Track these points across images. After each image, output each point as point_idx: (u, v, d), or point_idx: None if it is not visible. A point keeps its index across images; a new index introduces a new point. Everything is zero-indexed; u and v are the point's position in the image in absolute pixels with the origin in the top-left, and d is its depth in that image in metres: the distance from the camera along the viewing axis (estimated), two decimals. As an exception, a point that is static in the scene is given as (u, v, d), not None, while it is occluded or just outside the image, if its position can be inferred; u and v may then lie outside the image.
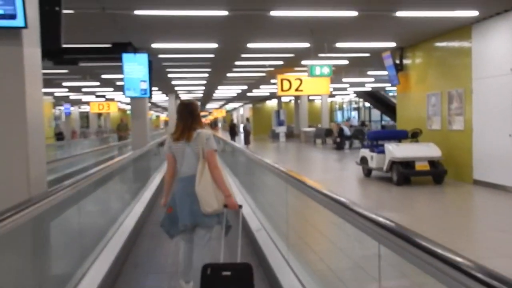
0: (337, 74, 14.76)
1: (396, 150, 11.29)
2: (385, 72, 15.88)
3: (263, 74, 20.94)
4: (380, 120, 38.27)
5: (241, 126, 38.09)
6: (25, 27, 3.49)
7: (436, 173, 11.22)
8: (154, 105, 45.75)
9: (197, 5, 8.91)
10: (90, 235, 5.35)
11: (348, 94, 39.58)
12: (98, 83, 23.14)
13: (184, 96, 35.21)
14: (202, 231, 4.10)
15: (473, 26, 10.88)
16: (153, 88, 14.82)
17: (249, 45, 13.16)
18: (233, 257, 4.33)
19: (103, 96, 32.23)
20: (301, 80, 16.26)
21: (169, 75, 20.47)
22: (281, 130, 34.10)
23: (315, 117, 35.85)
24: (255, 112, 47.97)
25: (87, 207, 5.31)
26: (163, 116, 69.60)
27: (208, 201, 3.95)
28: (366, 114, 41.60)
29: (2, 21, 3.45)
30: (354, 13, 9.68)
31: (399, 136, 12.88)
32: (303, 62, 15.61)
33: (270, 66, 17.93)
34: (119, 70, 11.94)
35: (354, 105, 45.85)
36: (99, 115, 45.45)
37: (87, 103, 36.21)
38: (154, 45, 12.54)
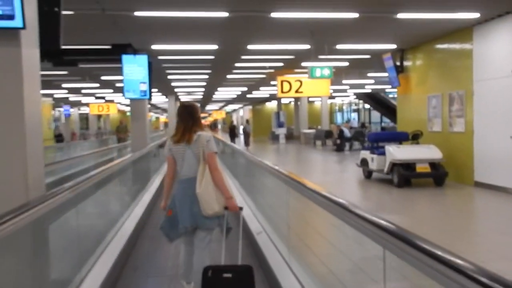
0: (337, 75, 14.73)
1: (397, 152, 11.26)
2: (386, 74, 15.85)
3: (263, 76, 20.92)
4: (380, 122, 38.22)
5: (241, 127, 38.05)
6: (24, 28, 3.45)
7: (437, 175, 11.18)
8: (154, 107, 45.70)
9: (197, 6, 8.88)
10: (89, 238, 5.31)
11: (348, 96, 39.57)
12: (97, 85, 23.11)
13: (184, 98, 35.17)
14: (202, 233, 4.09)
15: (474, 28, 10.85)
16: (153, 90, 14.80)
17: (249, 47, 13.13)
18: (233, 259, 4.32)
19: (103, 98, 32.19)
20: (301, 82, 16.21)
21: (169, 77, 20.44)
22: (281, 131, 34.06)
23: (315, 119, 35.80)
24: (255, 114, 47.95)
25: (86, 210, 5.28)
26: (163, 118, 69.55)
27: (210, 203, 3.94)
28: (366, 116, 41.57)
29: (0, 22, 3.41)
30: (355, 15, 9.66)
31: (399, 138, 12.84)
32: (303, 64, 15.58)
33: (270, 67, 17.92)
34: (119, 71, 11.90)
35: (354, 107, 45.81)
36: (99, 116, 45.39)
37: (87, 104, 36.17)
38: (154, 47, 12.51)
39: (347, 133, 24.63)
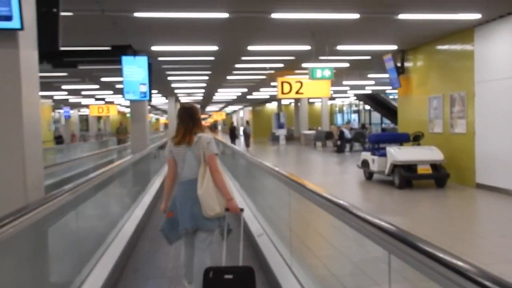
0: (337, 76, 14.70)
1: (398, 153, 11.22)
2: (386, 75, 15.82)
3: (264, 77, 20.88)
4: (380, 123, 38.20)
5: (241, 129, 38.03)
6: (21, 29, 3.41)
7: (439, 177, 11.14)
8: (154, 108, 45.69)
9: (197, 7, 8.83)
10: (89, 240, 5.30)
11: (348, 97, 39.55)
12: (97, 86, 23.06)
13: (184, 99, 35.13)
14: (203, 234, 4.08)
15: (475, 29, 10.81)
16: (153, 91, 14.74)
17: (250, 48, 13.08)
18: (234, 260, 4.33)
19: (103, 99, 32.16)
20: (301, 83, 16.21)
21: (169, 78, 20.39)
22: (281, 133, 34.03)
23: (315, 120, 35.78)
24: (255, 115, 47.93)
25: (86, 212, 5.26)
26: (163, 119, 69.54)
27: (211, 205, 3.94)
28: (366, 117, 41.55)
29: (-3, 23, 3.37)
30: (356, 16, 9.61)
31: (400, 139, 12.80)
32: (304, 65, 15.54)
33: (270, 68, 17.88)
34: (119, 73, 11.85)
35: (354, 108, 45.80)
36: (99, 118, 45.42)
37: (87, 106, 36.15)
38: (154, 48, 12.47)
39: (347, 134, 24.59)
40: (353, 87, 28.30)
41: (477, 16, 9.83)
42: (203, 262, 4.00)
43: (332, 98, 38.76)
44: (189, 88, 26.53)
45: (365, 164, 12.93)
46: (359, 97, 36.84)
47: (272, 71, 18.56)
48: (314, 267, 5.22)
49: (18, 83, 3.55)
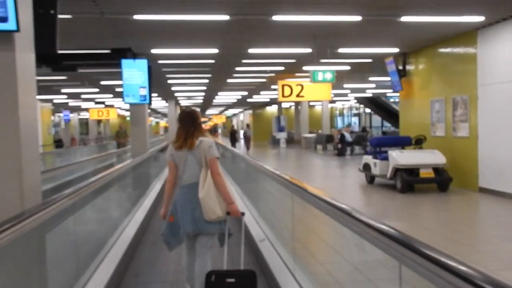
0: (338, 79, 14.62)
1: (400, 157, 11.12)
2: (387, 78, 15.75)
3: (264, 80, 20.81)
4: (381, 126, 38.17)
5: (241, 132, 37.97)
6: (17, 30, 3.32)
7: (441, 181, 11.05)
8: (154, 111, 45.67)
9: (197, 9, 8.75)
10: (89, 245, 5.25)
11: (348, 100, 39.51)
12: (97, 90, 23.03)
13: (184, 102, 35.12)
14: (204, 238, 4.09)
15: (478, 31, 10.72)
16: (153, 94, 14.71)
17: (250, 51, 13.01)
18: (234, 265, 4.34)
19: (103, 103, 32.13)
20: (302, 86, 16.15)
21: (169, 81, 20.33)
22: (282, 136, 34.00)
23: (315, 123, 35.75)
24: (255, 118, 47.93)
25: (86, 217, 5.22)
26: (163, 122, 69.51)
27: (212, 208, 3.95)
28: (367, 120, 41.51)
29: (-8, 24, 3.27)
30: (358, 18, 9.53)
31: (402, 143, 12.71)
32: (305, 68, 15.46)
33: (271, 71, 17.79)
34: (118, 76, 11.79)
35: (354, 111, 45.76)
36: (99, 121, 45.37)
37: (87, 109, 36.11)
38: (153, 51, 12.39)
39: (348, 137, 24.52)
40: (353, 90, 28.25)
41: (480, 18, 9.74)
42: (205, 266, 4.01)
43: (332, 101, 38.74)
44: (189, 91, 26.49)
45: (366, 167, 12.83)
46: (359, 100, 36.79)
47: (273, 74, 18.49)
48: (318, 273, 5.12)
49: (14, 86, 3.46)
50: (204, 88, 24.03)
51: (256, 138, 42.79)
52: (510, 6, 9.05)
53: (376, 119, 39.00)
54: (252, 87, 24.62)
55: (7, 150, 3.53)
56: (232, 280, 3.79)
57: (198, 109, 4.53)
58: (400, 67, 14.36)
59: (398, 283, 2.24)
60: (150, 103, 12.65)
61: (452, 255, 1.76)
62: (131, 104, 12.74)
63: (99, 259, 5.08)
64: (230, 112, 61.01)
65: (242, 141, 32.76)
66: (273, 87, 22.90)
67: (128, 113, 32.25)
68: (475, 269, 1.62)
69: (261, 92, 27.89)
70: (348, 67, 16.75)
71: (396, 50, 13.73)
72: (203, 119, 62.40)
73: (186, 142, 4.09)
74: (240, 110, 54.70)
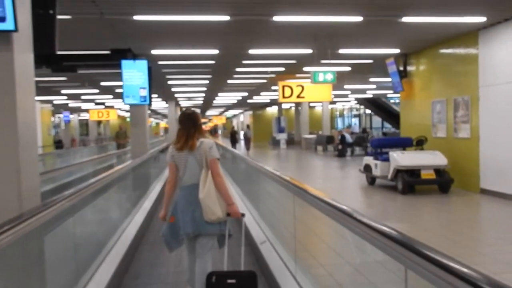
0: (338, 81, 14.57)
1: (401, 158, 11.08)
2: (387, 79, 15.71)
3: (264, 81, 20.77)
4: (381, 127, 38.13)
5: (241, 133, 37.93)
6: (16, 30, 3.27)
7: (442, 182, 11.00)
8: (154, 112, 45.63)
9: (198, 10, 8.71)
10: (89, 247, 5.22)
11: (349, 101, 39.47)
12: (97, 91, 23.00)
13: (184, 103, 35.08)
14: (204, 239, 4.09)
15: (480, 32, 10.68)
16: (153, 95, 14.66)
17: (251, 51, 12.97)
18: (235, 266, 4.35)
19: (103, 104, 32.10)
20: (302, 87, 16.13)
21: (169, 82, 20.29)
22: (282, 137, 33.95)
23: (315, 124, 35.69)
24: (255, 119, 47.90)
25: (85, 218, 5.20)
26: (163, 123, 69.47)
27: (212, 209, 3.96)
28: (367, 121, 41.46)
29: (-10, 24, 3.23)
30: (359, 19, 9.48)
31: (403, 144, 12.66)
32: (306, 69, 15.43)
33: (271, 72, 17.76)
34: (118, 77, 11.75)
35: (354, 112, 45.72)
36: (99, 122, 45.34)
37: (87, 110, 36.08)
38: (153, 51, 12.36)
39: (348, 138, 24.48)
40: (354, 91, 28.21)
41: (482, 19, 9.69)
42: (205, 267, 4.02)
43: (332, 102, 38.71)
44: (189, 92, 26.46)
45: (367, 168, 12.79)
46: (359, 101, 36.76)
47: (273, 75, 18.45)
48: (319, 276, 5.07)
49: (12, 87, 3.42)
50: (204, 89, 24.00)
51: (256, 139, 42.73)
52: (512, 6, 9.03)
53: (377, 120, 38.96)
54: (252, 88, 24.59)
55: (5, 151, 3.49)
56: (233, 281, 3.79)
57: (198, 110, 4.48)
58: (401, 68, 14.32)
59: (401, 286, 2.21)
60: (150, 104, 12.62)
61: (454, 257, 1.75)
62: (131, 105, 12.71)
63: (99, 260, 5.06)
64: (230, 113, 61.00)
65: (242, 142, 32.71)
66: (273, 88, 22.87)
67: (128, 114, 32.21)
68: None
69: (262, 93, 27.86)
70: (348, 68, 16.71)
71: (397, 50, 13.69)
72: (203, 120, 62.47)
73: (187, 144, 4.10)
74: (240, 111, 54.67)
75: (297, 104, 33.48)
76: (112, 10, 8.49)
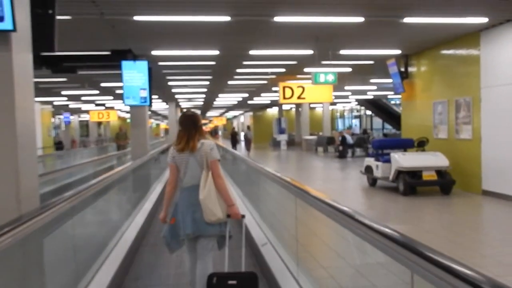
0: (339, 81, 14.54)
1: (403, 159, 11.04)
2: (388, 80, 15.68)
3: (265, 82, 20.74)
4: (382, 128, 38.09)
5: (242, 134, 37.89)
6: (14, 30, 3.24)
7: (444, 183, 10.97)
8: (154, 113, 45.60)
9: (198, 10, 8.68)
10: (89, 248, 5.20)
11: (349, 102, 39.44)
12: (97, 92, 22.98)
13: (184, 104, 35.05)
14: (205, 240, 4.10)
15: (481, 33, 10.64)
16: (153, 96, 14.62)
17: (251, 52, 12.94)
18: (235, 267, 4.35)
19: (103, 105, 32.08)
20: (303, 88, 16.08)
21: (169, 83, 20.27)
22: (282, 138, 33.92)
23: (316, 125, 35.65)
24: (255, 120, 47.87)
25: (85, 220, 5.18)
26: (163, 124, 69.45)
27: (212, 210, 3.98)
28: (368, 122, 41.43)
29: (-12, 24, 3.19)
30: (361, 19, 9.45)
31: (405, 145, 12.62)
32: (306, 70, 15.39)
33: (272, 73, 17.73)
34: (119, 78, 11.70)
35: (355, 113, 45.68)
36: (99, 123, 45.33)
37: (87, 111, 36.06)
38: (154, 52, 12.33)
39: (349, 139, 24.45)
40: (354, 92, 28.18)
41: (483, 20, 9.66)
42: (206, 268, 4.03)
43: (333, 103, 38.66)
44: (189, 93, 26.43)
45: (368, 170, 12.75)
46: (360, 102, 36.72)
47: (274, 76, 18.41)
48: (320, 278, 5.03)
49: (11, 88, 3.39)
50: (205, 90, 23.97)
51: (256, 140, 42.66)
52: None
53: (377, 121, 38.91)
54: (253, 89, 24.56)
55: (3, 151, 3.46)
56: (234, 282, 3.80)
57: (198, 112, 4.45)
58: (402, 69, 14.29)
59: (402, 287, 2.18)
60: (150, 105, 12.57)
61: (455, 258, 1.74)
62: (131, 106, 12.66)
63: (99, 262, 5.05)
64: (231, 114, 60.97)
65: (242, 143, 32.66)
66: (274, 89, 22.83)
67: (128, 115, 32.19)
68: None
69: (262, 94, 27.83)
70: (349, 69, 16.67)
71: (398, 51, 13.65)
72: (203, 121, 62.50)
73: (188, 145, 4.10)
74: (241, 112, 54.64)
75: (298, 105, 33.46)
76: (112, 10, 8.46)
